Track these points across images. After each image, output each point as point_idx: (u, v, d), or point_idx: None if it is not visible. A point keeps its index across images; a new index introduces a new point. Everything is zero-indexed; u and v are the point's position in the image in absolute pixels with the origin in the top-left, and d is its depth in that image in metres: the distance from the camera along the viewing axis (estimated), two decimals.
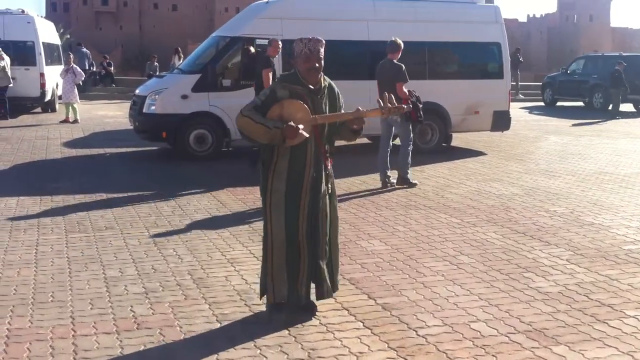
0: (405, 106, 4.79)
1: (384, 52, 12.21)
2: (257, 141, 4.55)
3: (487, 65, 13.60)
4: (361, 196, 8.84)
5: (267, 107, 4.47)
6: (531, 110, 23.61)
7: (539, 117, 21.34)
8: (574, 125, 18.95)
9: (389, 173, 9.58)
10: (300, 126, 4.36)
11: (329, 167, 4.72)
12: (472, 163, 11.85)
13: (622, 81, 21.56)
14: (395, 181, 9.57)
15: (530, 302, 5.01)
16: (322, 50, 4.54)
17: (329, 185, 4.72)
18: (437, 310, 4.85)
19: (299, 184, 4.56)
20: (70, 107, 18.00)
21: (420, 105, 9.46)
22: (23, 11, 20.45)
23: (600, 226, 7.36)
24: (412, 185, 9.49)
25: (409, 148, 9.62)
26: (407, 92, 9.33)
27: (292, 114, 4.41)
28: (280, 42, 10.55)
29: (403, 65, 9.42)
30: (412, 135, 9.74)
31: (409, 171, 9.58)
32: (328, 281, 4.73)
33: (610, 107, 22.03)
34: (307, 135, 4.43)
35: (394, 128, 9.70)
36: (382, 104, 4.66)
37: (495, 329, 4.52)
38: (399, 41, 9.55)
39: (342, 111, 4.73)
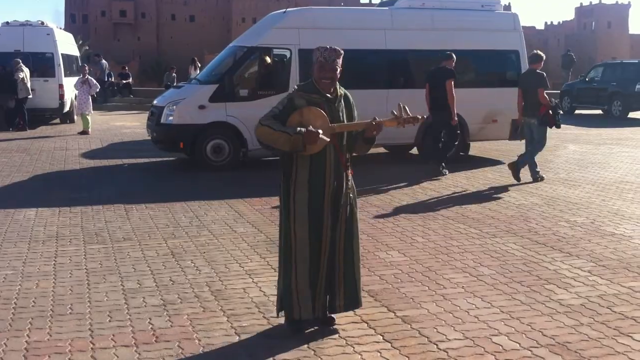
0: (420, 116, 4.72)
1: (401, 60, 12.31)
2: (277, 150, 4.49)
3: (505, 74, 13.49)
4: (378, 205, 8.79)
5: (285, 115, 4.44)
6: None
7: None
8: (593, 133, 18.78)
9: (537, 169, 10.72)
10: (320, 131, 4.32)
11: (350, 178, 4.67)
12: (490, 172, 11.77)
13: None
14: (544, 175, 10.86)
15: (552, 315, 4.94)
16: (338, 61, 4.49)
17: (351, 196, 4.66)
18: (458, 323, 4.79)
19: (320, 195, 4.50)
20: (83, 118, 18.13)
21: (560, 112, 10.61)
22: (42, 23, 20.67)
23: (621, 236, 7.26)
24: (541, 178, 10.67)
25: (539, 150, 10.65)
26: (547, 98, 10.35)
27: (311, 121, 4.38)
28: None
29: (545, 74, 10.51)
30: (545, 140, 10.70)
31: (538, 170, 10.72)
32: (342, 297, 4.64)
33: None
34: (328, 140, 4.38)
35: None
36: (396, 114, 4.61)
37: (518, 342, 4.45)
38: (541, 53, 10.80)
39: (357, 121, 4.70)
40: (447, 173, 11.31)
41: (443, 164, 11.41)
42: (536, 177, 10.67)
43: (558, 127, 10.66)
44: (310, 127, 4.31)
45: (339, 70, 4.51)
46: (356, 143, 4.67)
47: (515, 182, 10.58)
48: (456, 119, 11.30)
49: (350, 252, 4.65)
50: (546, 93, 10.43)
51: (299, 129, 4.32)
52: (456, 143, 11.79)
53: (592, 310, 5.05)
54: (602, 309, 5.08)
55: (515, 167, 10.54)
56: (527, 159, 10.62)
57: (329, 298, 4.68)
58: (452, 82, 11.06)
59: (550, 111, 10.31)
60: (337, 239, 4.60)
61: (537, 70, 10.57)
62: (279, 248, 4.73)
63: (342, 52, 4.53)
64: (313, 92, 4.52)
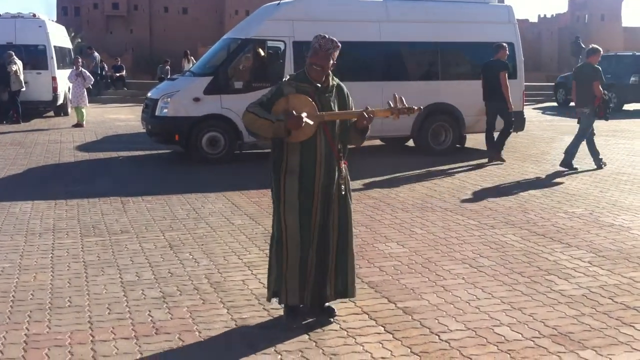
0: (416, 107, 4.66)
1: (396, 52, 12.35)
2: (262, 137, 4.47)
3: None
4: (376, 197, 8.77)
5: (273, 103, 4.41)
6: (544, 110, 23.43)
7: (552, 118, 21.18)
8: None
9: (600, 156, 11.17)
10: (304, 114, 4.27)
11: (343, 169, 4.62)
12: (486, 164, 11.74)
13: None
14: (606, 162, 11.33)
15: (553, 306, 4.93)
16: (333, 52, 4.40)
17: (343, 187, 4.59)
18: (459, 314, 4.77)
19: (310, 183, 4.47)
20: (78, 111, 18.03)
21: (611, 105, 11.13)
22: (34, 15, 20.49)
23: (620, 227, 7.25)
24: (574, 169, 10.89)
25: (582, 140, 11.02)
26: (601, 91, 10.83)
27: (297, 108, 4.32)
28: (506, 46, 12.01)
29: (600, 68, 11.04)
30: (592, 130, 11.10)
31: (574, 159, 11.03)
32: (332, 286, 4.61)
33: None
34: (311, 123, 4.32)
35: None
36: (392, 104, 4.57)
37: (520, 333, 4.43)
38: (599, 47, 11.37)
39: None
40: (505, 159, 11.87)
41: (502, 151, 11.99)
42: (600, 165, 11.14)
43: (606, 119, 11.31)
44: (293, 112, 4.26)
45: (332, 61, 4.43)
46: (349, 134, 4.63)
47: (512, 173, 10.58)
48: (512, 106, 11.77)
49: (344, 243, 4.62)
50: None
51: (281, 116, 4.29)
52: (511, 130, 12.09)
53: (593, 300, 5.04)
54: (604, 299, 5.07)
55: (567, 163, 10.94)
56: (574, 151, 11.00)
57: (320, 287, 4.64)
58: (506, 74, 11.62)
59: (602, 104, 10.89)
60: (330, 229, 4.56)
61: (594, 65, 11.03)
62: (271, 234, 4.70)
63: (340, 45, 4.46)
64: (303, 80, 4.48)
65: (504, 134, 12.02)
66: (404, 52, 12.97)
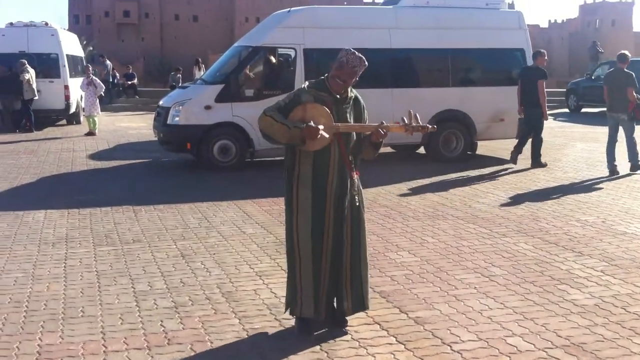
0: (429, 126, 4.68)
1: (406, 59, 12.38)
2: (277, 141, 4.48)
3: (511, 72, 13.42)
4: (387, 206, 8.76)
5: (290, 109, 4.42)
6: (555, 117, 23.34)
7: (563, 124, 21.11)
8: (600, 131, 18.68)
9: (615, 163, 11.30)
10: (321, 127, 4.28)
11: (356, 180, 4.63)
12: (498, 171, 11.72)
13: None
14: (622, 170, 11.36)
15: (566, 316, 4.90)
16: (359, 70, 4.43)
17: (356, 198, 4.62)
18: (471, 324, 4.76)
19: (323, 193, 4.48)
20: (90, 120, 18.14)
21: None
22: (47, 24, 20.66)
23: (633, 235, 7.21)
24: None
25: (634, 140, 11.30)
26: (635, 96, 11.04)
27: (314, 117, 4.33)
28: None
29: (633, 73, 11.22)
30: (634, 130, 11.42)
31: (616, 164, 11.31)
32: (350, 299, 4.62)
33: None
34: (327, 137, 4.33)
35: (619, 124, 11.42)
36: (406, 121, 4.58)
37: (532, 343, 4.41)
38: (628, 53, 11.68)
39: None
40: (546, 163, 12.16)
41: (540, 158, 12.16)
42: (614, 171, 11.31)
43: None
44: (311, 123, 4.27)
45: (355, 78, 4.47)
46: (363, 147, 4.64)
47: (524, 180, 10.56)
48: (547, 114, 12.12)
49: (357, 255, 4.62)
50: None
51: (299, 123, 4.30)
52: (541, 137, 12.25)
53: (606, 310, 5.01)
54: (616, 309, 5.04)
55: (634, 166, 11.32)
56: (636, 150, 11.36)
57: (337, 300, 4.65)
58: (544, 82, 11.85)
59: (637, 108, 11.22)
60: (344, 241, 4.57)
61: (625, 70, 11.30)
62: (285, 245, 4.71)
63: (366, 64, 4.47)
64: (322, 89, 4.49)
65: (537, 143, 12.13)
66: (414, 58, 12.97)
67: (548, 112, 12.61)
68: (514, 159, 12.09)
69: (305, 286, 4.53)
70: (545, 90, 11.95)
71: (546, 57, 12.36)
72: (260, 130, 4.51)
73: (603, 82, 12.07)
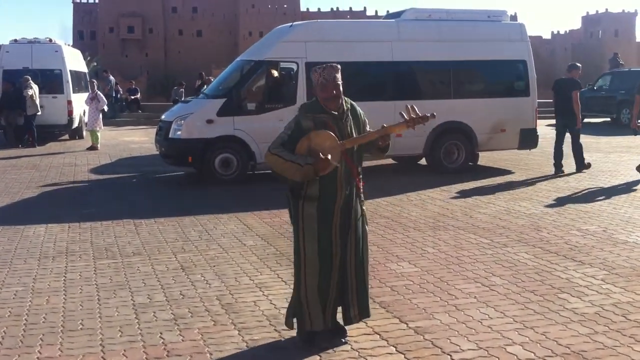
0: (429, 114, 4.62)
1: (408, 72, 12.44)
2: (288, 179, 4.47)
3: (513, 83, 13.46)
4: (388, 216, 8.76)
5: (295, 141, 4.38)
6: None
7: (566, 134, 21.02)
8: (602, 142, 18.69)
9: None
10: (329, 156, 4.28)
11: (361, 190, 4.64)
12: (499, 182, 11.72)
13: None
14: None
15: (566, 324, 4.89)
16: (338, 76, 4.42)
17: (362, 209, 4.63)
18: (471, 333, 4.75)
19: (330, 209, 4.47)
20: (93, 134, 18.21)
21: None
22: (51, 40, 20.78)
23: (634, 244, 7.19)
24: None
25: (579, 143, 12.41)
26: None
27: (320, 144, 4.32)
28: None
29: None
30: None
31: None
32: (357, 307, 4.62)
33: None
34: (337, 165, 4.35)
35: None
36: (405, 116, 4.55)
37: (532, 352, 4.40)
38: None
39: (367, 128, 4.64)
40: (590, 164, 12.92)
41: (585, 162, 12.85)
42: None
43: None
44: (321, 155, 4.26)
45: (340, 84, 4.45)
46: (370, 152, 4.67)
47: (525, 190, 10.54)
48: (581, 122, 12.78)
49: (360, 264, 4.62)
50: None
51: (309, 158, 4.29)
52: (580, 142, 12.87)
53: (606, 318, 4.99)
54: (617, 317, 5.02)
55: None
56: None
57: (343, 309, 4.65)
58: (578, 93, 12.58)
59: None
60: (348, 251, 4.57)
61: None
62: (293, 258, 4.70)
63: (339, 66, 4.47)
64: (319, 111, 4.46)
65: (577, 148, 12.77)
66: (416, 71, 12.99)
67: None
68: (582, 168, 12.74)
69: (312, 301, 4.51)
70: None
71: (580, 71, 12.97)
72: (270, 168, 4.50)
73: (635, 91, 12.62)
